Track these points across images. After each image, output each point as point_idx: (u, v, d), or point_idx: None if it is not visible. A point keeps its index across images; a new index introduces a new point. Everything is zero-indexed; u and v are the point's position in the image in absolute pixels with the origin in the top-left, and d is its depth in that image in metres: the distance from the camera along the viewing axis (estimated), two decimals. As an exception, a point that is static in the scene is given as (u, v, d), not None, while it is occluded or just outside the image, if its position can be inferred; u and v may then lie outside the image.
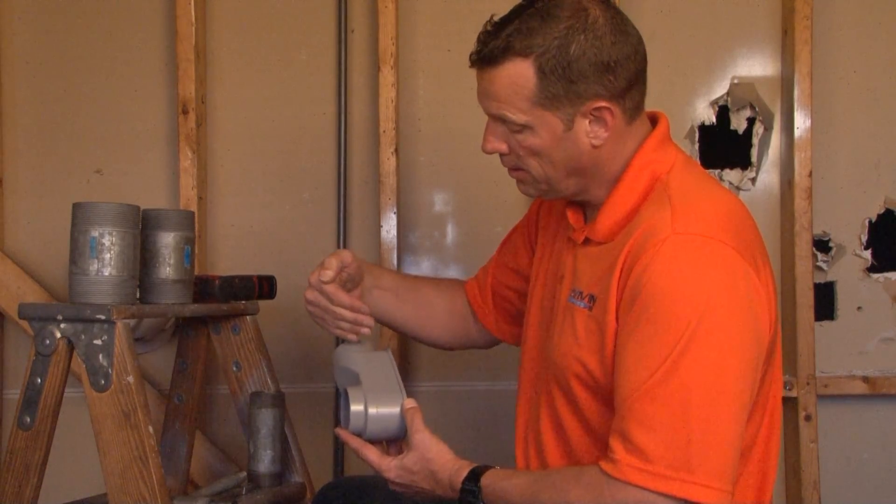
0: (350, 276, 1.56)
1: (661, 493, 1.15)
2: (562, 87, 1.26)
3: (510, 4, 1.32)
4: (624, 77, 1.28)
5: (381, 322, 1.70)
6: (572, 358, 1.31)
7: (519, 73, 1.27)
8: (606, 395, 1.26)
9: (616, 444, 1.19)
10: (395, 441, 1.45)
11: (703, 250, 1.20)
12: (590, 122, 1.29)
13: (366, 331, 1.53)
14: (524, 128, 1.30)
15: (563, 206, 1.44)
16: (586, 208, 1.41)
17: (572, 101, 1.27)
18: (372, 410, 1.43)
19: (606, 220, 1.32)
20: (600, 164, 1.32)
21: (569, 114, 1.28)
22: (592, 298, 1.30)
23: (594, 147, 1.30)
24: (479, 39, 1.31)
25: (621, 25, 1.29)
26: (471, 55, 1.32)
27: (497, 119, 1.32)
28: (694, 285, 1.17)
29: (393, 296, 1.65)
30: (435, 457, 1.37)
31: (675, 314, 1.16)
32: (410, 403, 1.43)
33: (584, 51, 1.25)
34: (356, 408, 1.42)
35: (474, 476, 1.32)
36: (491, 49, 1.28)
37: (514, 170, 1.37)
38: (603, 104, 1.27)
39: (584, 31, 1.26)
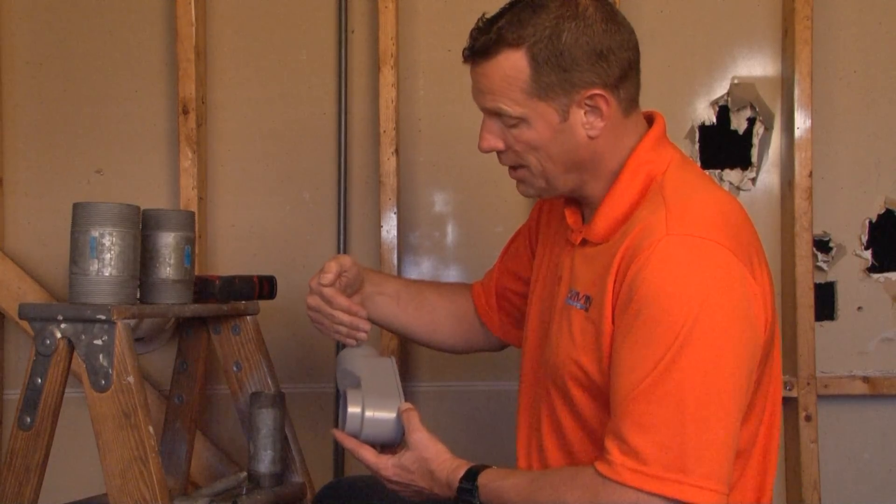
0: (349, 282, 1.56)
1: (655, 494, 1.15)
2: (555, 75, 1.26)
3: (510, 4, 1.33)
4: (617, 66, 1.28)
5: (385, 327, 1.71)
6: (569, 359, 1.31)
7: (512, 65, 1.27)
8: (603, 397, 1.26)
9: (611, 446, 1.18)
10: (390, 446, 1.45)
11: (697, 251, 1.20)
12: (585, 113, 1.29)
13: (362, 335, 1.53)
14: (520, 121, 1.30)
15: (562, 208, 1.44)
16: (584, 209, 1.40)
17: (566, 90, 1.27)
18: (368, 413, 1.43)
19: (603, 221, 1.32)
20: (597, 158, 1.32)
21: (564, 104, 1.28)
22: (589, 300, 1.29)
23: (591, 138, 1.30)
24: (471, 36, 1.32)
25: (612, 15, 1.30)
26: (463, 51, 1.32)
27: (493, 114, 1.32)
28: (688, 287, 1.17)
29: (394, 301, 1.65)
30: (432, 456, 1.37)
31: (670, 316, 1.16)
32: (406, 406, 1.43)
33: (576, 38, 1.26)
34: (353, 409, 1.43)
35: (471, 475, 1.32)
36: (483, 43, 1.29)
37: (513, 168, 1.37)
38: (597, 91, 1.27)
39: (575, 19, 1.26)
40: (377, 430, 1.43)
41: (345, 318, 1.51)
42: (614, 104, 1.29)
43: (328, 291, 1.51)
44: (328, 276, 1.51)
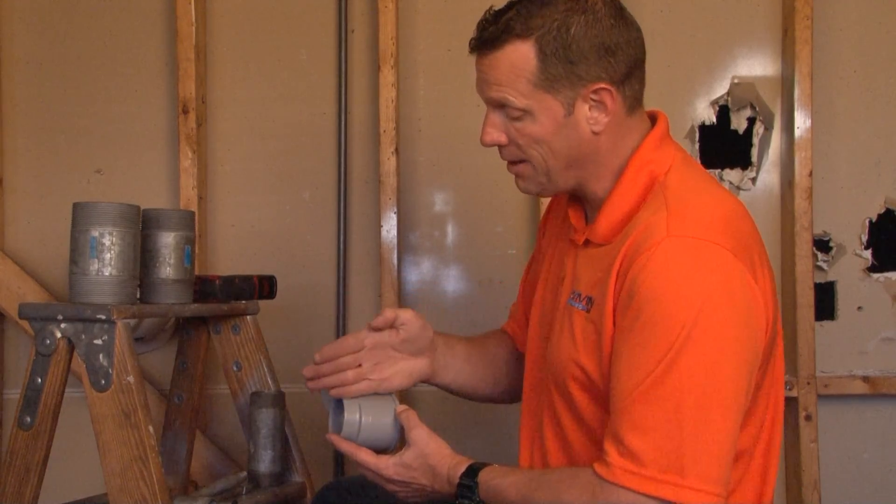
0: (408, 337, 1.49)
1: (652, 496, 1.15)
2: (563, 68, 1.26)
3: (510, 4, 1.32)
4: (624, 62, 1.28)
5: (456, 393, 1.62)
6: (570, 361, 1.30)
7: (519, 56, 1.27)
8: (604, 398, 1.25)
9: (610, 447, 1.18)
10: (385, 452, 1.45)
11: (697, 253, 1.19)
12: (590, 108, 1.29)
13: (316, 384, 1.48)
14: (524, 113, 1.29)
15: (565, 208, 1.44)
16: (587, 209, 1.40)
17: (573, 84, 1.27)
18: (366, 419, 1.43)
19: (606, 221, 1.31)
20: (600, 154, 1.32)
21: (569, 97, 1.28)
22: (590, 301, 1.29)
23: (594, 134, 1.30)
24: (478, 27, 1.31)
25: (620, 11, 1.30)
26: (470, 41, 1.32)
27: (497, 106, 1.32)
28: (689, 288, 1.17)
29: (467, 363, 1.59)
30: (433, 452, 1.37)
31: (670, 318, 1.16)
32: (403, 407, 1.43)
33: (585, 32, 1.26)
34: (350, 416, 1.43)
35: (472, 472, 1.32)
36: (491, 33, 1.29)
37: (513, 163, 1.37)
38: (603, 86, 1.27)
39: (584, 13, 1.27)
40: (374, 435, 1.43)
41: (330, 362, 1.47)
42: (619, 100, 1.29)
43: (363, 332, 1.48)
44: (378, 320, 1.47)
